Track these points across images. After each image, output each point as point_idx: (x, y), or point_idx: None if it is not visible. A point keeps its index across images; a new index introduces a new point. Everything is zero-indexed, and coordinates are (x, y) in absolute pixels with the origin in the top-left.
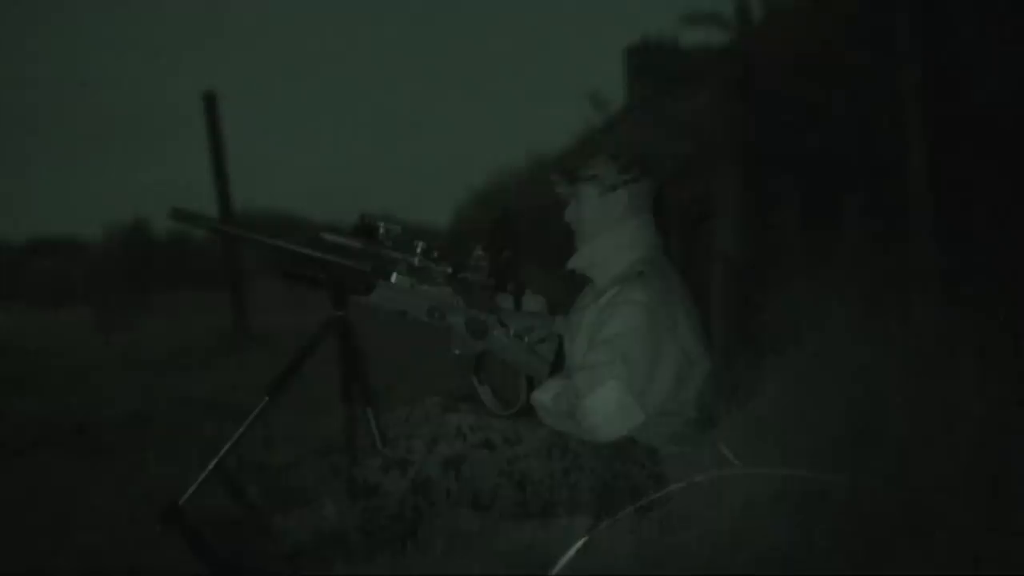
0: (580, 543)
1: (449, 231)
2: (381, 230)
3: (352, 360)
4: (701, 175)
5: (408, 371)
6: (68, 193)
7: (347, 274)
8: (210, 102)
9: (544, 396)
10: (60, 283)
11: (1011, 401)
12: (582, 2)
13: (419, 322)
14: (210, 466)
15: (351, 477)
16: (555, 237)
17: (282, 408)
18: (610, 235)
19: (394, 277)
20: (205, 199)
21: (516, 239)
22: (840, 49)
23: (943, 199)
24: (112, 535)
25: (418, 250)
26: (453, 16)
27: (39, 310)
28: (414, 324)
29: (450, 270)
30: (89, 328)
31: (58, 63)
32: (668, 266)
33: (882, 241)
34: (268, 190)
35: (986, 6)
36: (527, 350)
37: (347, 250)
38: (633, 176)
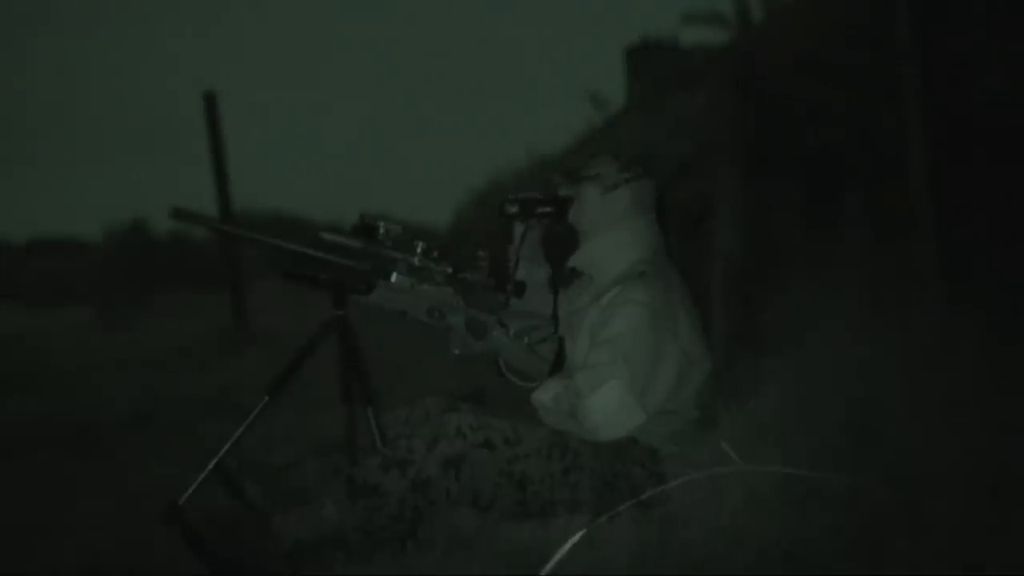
0: (578, 536)
1: (449, 231)
2: (381, 230)
3: (352, 360)
4: (701, 175)
5: (408, 371)
6: (68, 193)
7: (347, 274)
8: (210, 102)
9: (544, 396)
10: (60, 283)
11: (1011, 400)
12: (582, 2)
13: (419, 322)
14: (210, 466)
15: (351, 477)
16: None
17: (282, 408)
18: (612, 234)
19: (394, 277)
20: (205, 199)
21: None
22: (840, 48)
23: (944, 198)
24: (112, 535)
25: (418, 250)
26: (452, 15)
27: (39, 310)
28: (414, 324)
29: (450, 270)
30: (89, 328)
31: (58, 63)
32: (669, 266)
33: (883, 240)
34: (268, 190)
35: (986, 4)
36: (527, 350)
37: (347, 250)
38: (635, 174)
